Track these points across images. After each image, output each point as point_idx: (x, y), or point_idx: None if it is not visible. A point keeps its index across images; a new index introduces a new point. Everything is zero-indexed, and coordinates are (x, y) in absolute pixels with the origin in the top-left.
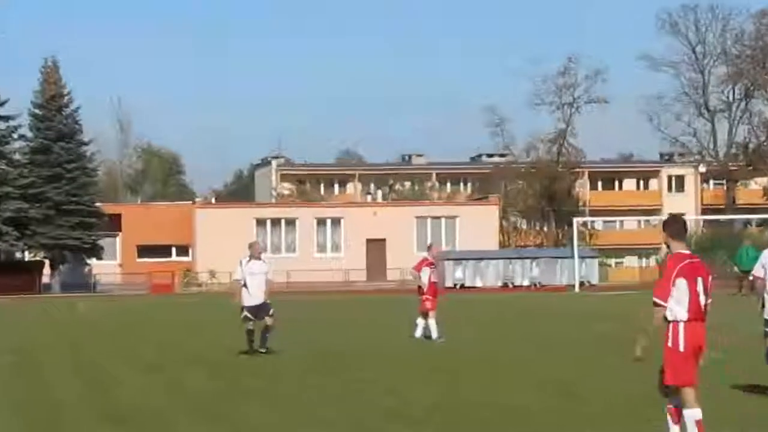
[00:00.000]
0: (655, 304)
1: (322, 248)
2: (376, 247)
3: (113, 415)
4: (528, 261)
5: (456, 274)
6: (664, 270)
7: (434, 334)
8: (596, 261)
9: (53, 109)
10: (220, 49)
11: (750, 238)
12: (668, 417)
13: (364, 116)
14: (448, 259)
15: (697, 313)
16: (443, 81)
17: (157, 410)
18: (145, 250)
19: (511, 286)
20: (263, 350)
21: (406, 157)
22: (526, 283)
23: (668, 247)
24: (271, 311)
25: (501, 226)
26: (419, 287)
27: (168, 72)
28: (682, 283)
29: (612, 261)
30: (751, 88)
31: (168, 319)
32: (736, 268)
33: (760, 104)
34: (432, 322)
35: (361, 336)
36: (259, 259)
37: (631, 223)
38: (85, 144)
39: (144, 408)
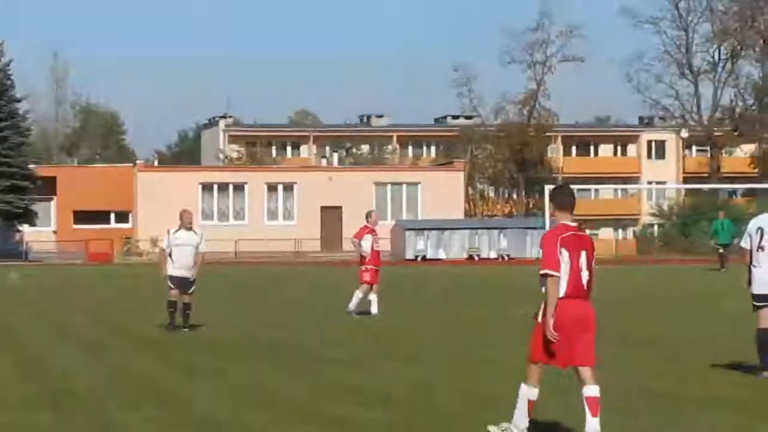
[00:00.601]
0: (548, 276)
1: (273, 216)
2: (331, 215)
3: (45, 399)
4: (495, 231)
5: (417, 245)
6: (546, 241)
7: (374, 309)
8: None
9: None
10: (167, 1)
11: (726, 210)
12: (523, 407)
13: (320, 74)
14: (409, 229)
15: (577, 289)
16: (406, 37)
17: (94, 391)
18: (82, 216)
19: (477, 258)
20: (186, 329)
21: (365, 118)
22: (493, 255)
23: (553, 218)
24: (191, 289)
25: (467, 193)
26: (362, 257)
27: (108, 25)
28: (564, 256)
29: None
30: (738, 47)
31: (105, 291)
32: (712, 242)
33: (747, 65)
34: (358, 294)
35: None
36: (190, 229)
37: (607, 191)
38: (18, 101)
39: (78, 390)
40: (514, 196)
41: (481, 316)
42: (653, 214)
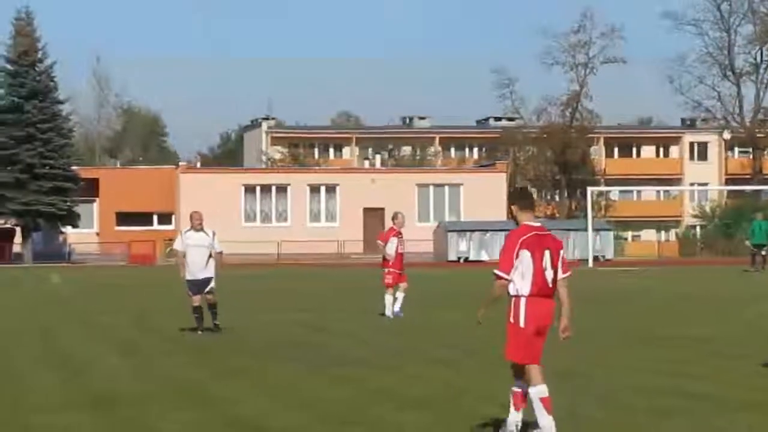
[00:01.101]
0: (497, 277)
1: (315, 217)
2: (373, 217)
3: (85, 401)
4: None
5: (460, 246)
6: (506, 242)
7: (387, 311)
8: (611, 234)
9: (26, 65)
10: (207, 3)
11: (763, 212)
12: (511, 401)
13: (363, 76)
14: (452, 231)
15: (541, 289)
16: (449, 39)
17: (134, 395)
18: (124, 218)
19: None
20: (215, 325)
21: (408, 120)
22: None
23: (516, 219)
24: (209, 288)
25: (509, 195)
26: (384, 259)
27: (151, 28)
28: (525, 256)
29: (629, 234)
30: None
31: (146, 293)
32: (747, 243)
33: None
34: (389, 297)
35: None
36: (200, 230)
37: (649, 193)
38: (61, 103)
39: (118, 393)
40: (557, 197)
41: None
42: (695, 216)
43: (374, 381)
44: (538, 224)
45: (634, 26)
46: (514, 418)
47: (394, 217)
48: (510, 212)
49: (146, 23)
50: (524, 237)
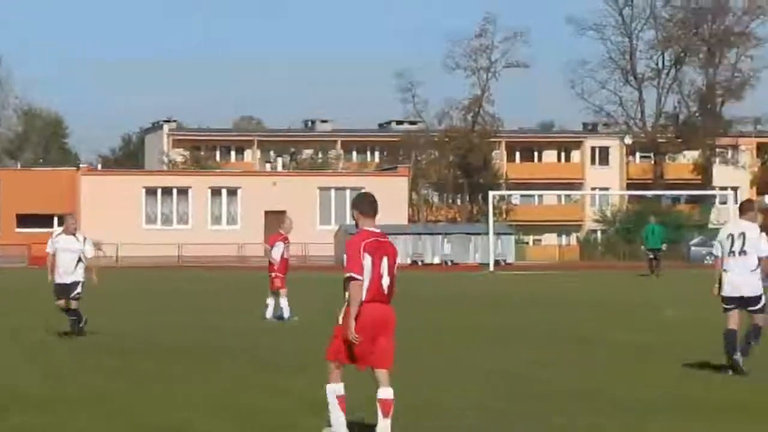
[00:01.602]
0: (351, 279)
1: (216, 220)
2: (275, 220)
3: None
4: (439, 237)
5: None
6: (350, 246)
7: (286, 314)
8: (512, 238)
9: None
10: (107, 3)
11: (657, 216)
12: (335, 404)
13: (265, 79)
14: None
15: (377, 294)
16: (353, 42)
17: (38, 399)
18: (24, 220)
19: (420, 264)
20: (75, 329)
21: (310, 123)
22: (436, 260)
23: (357, 224)
24: (73, 294)
25: (411, 199)
26: (270, 263)
27: (52, 31)
28: (366, 261)
29: (530, 238)
30: (682, 54)
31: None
32: (643, 248)
33: (691, 72)
34: (284, 301)
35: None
36: (72, 234)
37: (551, 197)
38: None
39: (21, 395)
40: (458, 201)
41: (421, 323)
42: (597, 220)
43: (283, 383)
44: (378, 231)
45: (538, 31)
46: (385, 425)
47: (281, 222)
48: (353, 216)
49: (48, 25)
50: (366, 242)
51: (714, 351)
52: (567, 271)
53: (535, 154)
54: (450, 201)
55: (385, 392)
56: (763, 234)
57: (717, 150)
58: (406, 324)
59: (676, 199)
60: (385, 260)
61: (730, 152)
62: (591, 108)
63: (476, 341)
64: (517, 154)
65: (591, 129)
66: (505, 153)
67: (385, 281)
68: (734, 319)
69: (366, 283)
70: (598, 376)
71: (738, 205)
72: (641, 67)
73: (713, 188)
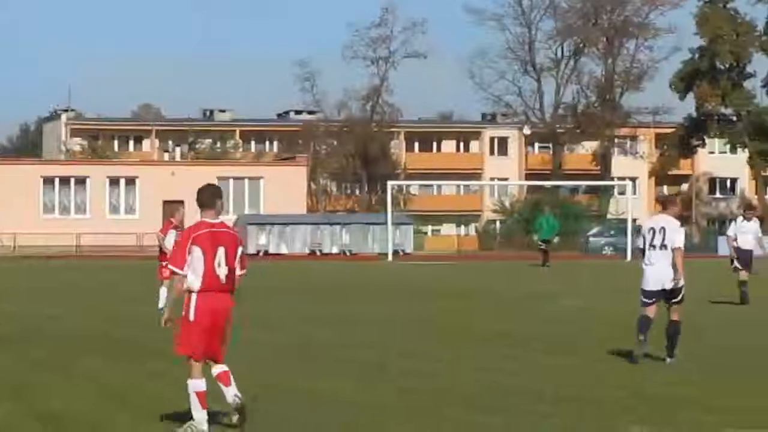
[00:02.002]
0: (173, 273)
1: (115, 209)
2: (173, 210)
3: None
4: (338, 227)
5: (260, 240)
6: (180, 238)
7: (161, 303)
8: (411, 228)
9: None
10: None
11: (550, 206)
12: (194, 401)
13: (164, 68)
14: (252, 224)
15: (212, 284)
16: (251, 31)
17: None
18: None
19: (319, 253)
20: None
21: (208, 113)
22: (335, 250)
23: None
24: None
25: (309, 188)
26: (162, 252)
27: None
28: (197, 252)
29: (428, 228)
30: (581, 45)
31: None
32: (535, 238)
33: (590, 63)
34: (163, 290)
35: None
36: None
37: (449, 188)
38: None
39: None
40: (357, 191)
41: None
42: (495, 211)
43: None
44: (218, 221)
45: (437, 21)
46: (231, 392)
47: (173, 211)
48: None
49: None
50: (197, 233)
51: (610, 341)
52: (464, 261)
53: (434, 144)
54: (349, 191)
55: (219, 367)
56: (682, 228)
57: (616, 140)
58: (280, 314)
59: (574, 190)
60: (221, 250)
61: (628, 143)
62: (490, 98)
63: (350, 330)
64: (416, 144)
65: (490, 119)
66: (404, 143)
67: (222, 271)
68: (652, 310)
69: (199, 274)
70: (461, 367)
71: (661, 200)
72: (540, 58)
73: (612, 179)
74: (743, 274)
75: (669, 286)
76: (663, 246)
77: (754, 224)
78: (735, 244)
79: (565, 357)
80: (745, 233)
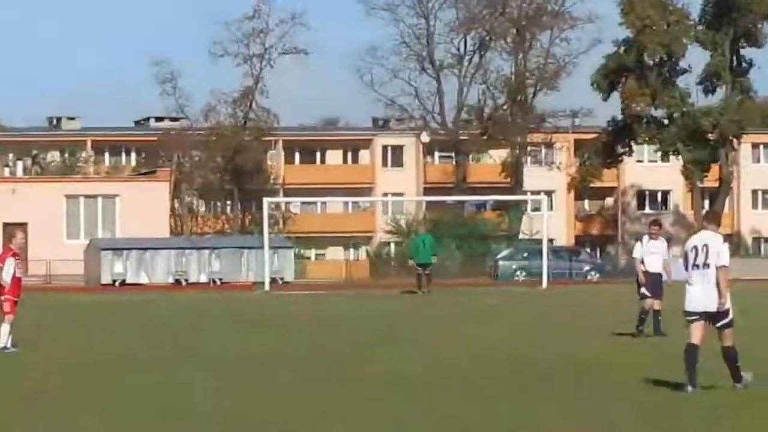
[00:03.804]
0: None
1: None
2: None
3: None
4: (206, 252)
5: (115, 268)
6: None
7: (1, 343)
8: (291, 252)
9: None
10: None
11: (427, 225)
12: None
13: (3, 72)
14: (106, 249)
15: None
16: (102, 25)
17: None
18: None
19: (184, 283)
20: None
21: (55, 121)
22: (203, 279)
23: None
24: None
25: (173, 208)
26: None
27: None
28: None
29: (312, 252)
30: (487, 37)
31: None
32: (411, 262)
33: (497, 58)
34: (5, 327)
35: None
36: None
37: (336, 205)
38: None
39: None
40: (228, 211)
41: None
42: (389, 231)
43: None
44: None
45: (321, 12)
46: None
47: (11, 236)
48: None
49: None
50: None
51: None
52: (354, 290)
53: (318, 154)
54: (219, 210)
55: None
56: (726, 244)
57: (528, 148)
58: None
59: (481, 206)
60: None
61: (543, 151)
62: (382, 101)
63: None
64: (297, 154)
65: (382, 125)
66: (282, 153)
67: None
68: (697, 333)
69: None
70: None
71: (704, 215)
72: (440, 53)
73: (524, 193)
74: (656, 303)
75: (713, 308)
76: (705, 265)
77: (662, 243)
78: (643, 267)
79: (467, 403)
80: (653, 254)
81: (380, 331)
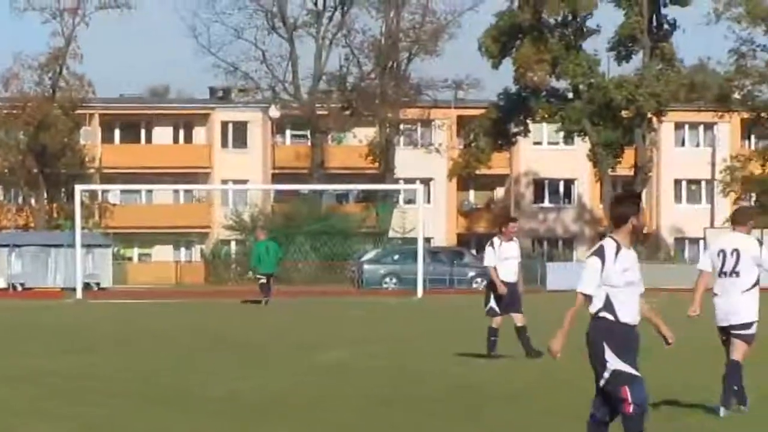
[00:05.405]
0: None
1: None
2: None
3: None
4: (4, 251)
5: None
6: None
7: None
8: (109, 252)
9: None
10: None
11: (265, 230)
12: None
13: None
14: None
15: None
16: None
17: None
18: None
19: None
20: None
21: None
22: (2, 284)
23: None
24: None
25: None
26: None
27: None
28: None
29: (134, 252)
30: None
31: None
32: (251, 272)
33: (364, 16)
34: None
35: None
36: None
37: (164, 194)
38: None
39: None
40: (32, 201)
41: None
42: (230, 227)
43: None
44: None
45: None
46: None
47: None
48: None
49: None
50: None
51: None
52: (185, 298)
53: (143, 132)
54: (21, 200)
55: None
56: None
57: (401, 127)
58: None
59: (342, 196)
60: None
61: (419, 130)
62: (221, 66)
63: None
64: (117, 132)
65: (222, 97)
66: (99, 130)
67: None
68: (737, 350)
69: None
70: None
71: (732, 212)
72: (294, 9)
73: (396, 181)
74: (518, 318)
75: (736, 322)
76: (735, 272)
77: (516, 245)
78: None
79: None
80: (508, 259)
81: (214, 348)
